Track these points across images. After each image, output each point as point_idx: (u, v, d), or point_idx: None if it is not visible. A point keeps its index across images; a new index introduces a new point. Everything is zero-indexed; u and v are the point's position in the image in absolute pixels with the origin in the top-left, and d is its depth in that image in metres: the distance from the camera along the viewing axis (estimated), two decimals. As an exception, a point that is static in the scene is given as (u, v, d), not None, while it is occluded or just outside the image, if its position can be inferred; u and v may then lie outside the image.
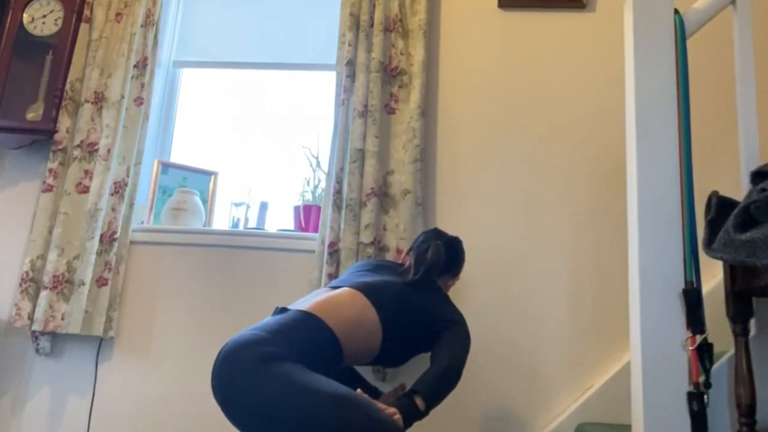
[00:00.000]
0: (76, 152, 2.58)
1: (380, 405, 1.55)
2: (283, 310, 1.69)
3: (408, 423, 1.62)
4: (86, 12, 2.75)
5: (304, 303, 1.72)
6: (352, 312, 1.71)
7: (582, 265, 2.37)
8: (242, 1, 2.92)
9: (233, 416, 1.52)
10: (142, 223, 2.67)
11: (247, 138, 2.92)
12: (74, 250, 2.50)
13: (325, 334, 1.63)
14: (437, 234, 2.08)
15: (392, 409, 1.58)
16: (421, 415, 1.65)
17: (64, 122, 2.63)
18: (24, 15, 2.75)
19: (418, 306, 1.82)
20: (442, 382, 1.69)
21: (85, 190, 2.56)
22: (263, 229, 2.72)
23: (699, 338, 1.51)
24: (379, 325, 1.74)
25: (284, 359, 1.50)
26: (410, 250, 2.08)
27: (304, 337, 1.59)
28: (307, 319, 1.63)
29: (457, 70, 2.61)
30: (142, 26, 2.70)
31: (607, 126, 2.48)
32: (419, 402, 1.64)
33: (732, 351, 1.57)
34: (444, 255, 1.98)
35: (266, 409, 1.46)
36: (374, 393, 1.94)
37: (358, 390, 1.56)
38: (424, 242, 2.03)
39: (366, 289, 1.78)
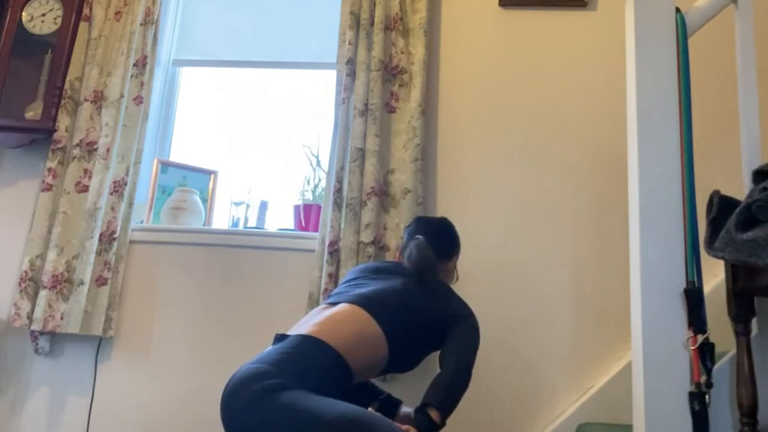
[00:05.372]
0: (76, 151, 2.58)
1: (394, 424, 1.51)
2: (283, 337, 1.65)
3: None
4: (85, 10, 2.75)
5: (303, 326, 1.69)
6: (353, 328, 1.67)
7: (583, 264, 2.37)
8: (242, -1, 2.92)
9: None
10: (142, 222, 2.67)
11: (247, 137, 2.92)
12: (73, 250, 2.49)
13: (328, 355, 1.59)
14: (419, 224, 2.02)
15: (406, 427, 1.56)
16: (438, 427, 1.62)
17: (63, 121, 2.63)
18: (23, 13, 2.75)
19: (421, 308, 1.79)
20: (453, 387, 1.67)
21: (85, 189, 2.55)
22: (263, 228, 2.71)
23: (700, 338, 1.50)
24: (383, 337, 1.70)
25: (288, 389, 1.48)
26: (401, 249, 2.06)
27: (308, 362, 1.56)
28: (307, 343, 1.60)
29: (458, 68, 2.61)
30: (141, 25, 2.69)
31: (609, 125, 2.47)
32: (434, 415, 1.61)
33: (733, 351, 1.57)
34: (430, 249, 1.90)
35: None
36: (393, 405, 1.91)
37: (369, 408, 1.53)
38: (408, 239, 1.97)
39: (364, 302, 1.74)
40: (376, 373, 1.77)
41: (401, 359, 1.77)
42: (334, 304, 1.78)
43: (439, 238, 1.98)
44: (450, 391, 1.66)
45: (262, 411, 1.46)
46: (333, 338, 1.62)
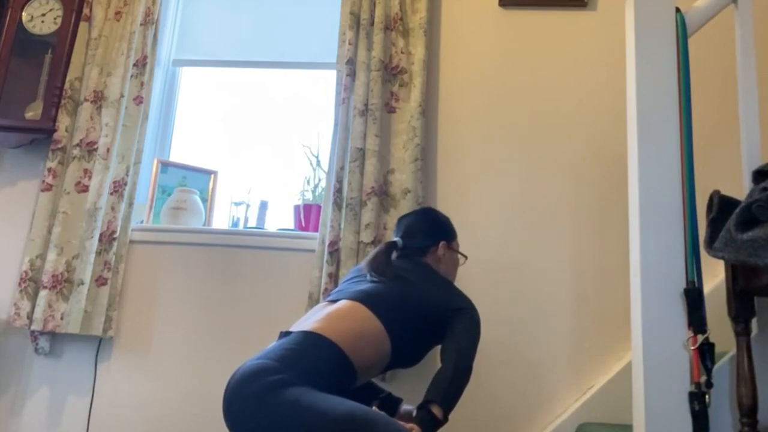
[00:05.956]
0: (76, 151, 2.58)
1: (399, 422, 1.52)
2: (286, 334, 1.66)
3: None
4: (85, 10, 2.75)
5: (305, 323, 1.69)
6: (355, 324, 1.67)
7: (583, 264, 2.37)
8: (242, -1, 2.92)
9: None
10: (142, 222, 2.67)
11: (247, 137, 2.92)
12: (73, 250, 2.49)
13: (331, 351, 1.59)
14: (398, 226, 2.02)
15: (410, 425, 1.56)
16: (440, 423, 1.62)
17: (63, 121, 2.63)
18: (23, 13, 2.75)
19: (421, 303, 1.78)
20: (454, 383, 1.66)
21: (85, 189, 2.55)
22: (263, 228, 2.71)
23: (700, 338, 1.51)
24: (385, 334, 1.70)
25: (292, 385, 1.48)
26: None
27: (311, 358, 1.56)
28: (310, 338, 1.60)
29: (458, 68, 2.61)
30: (141, 25, 2.69)
31: (609, 125, 2.47)
32: (437, 411, 1.62)
33: (733, 351, 1.57)
34: (385, 252, 1.90)
35: None
36: (393, 403, 1.90)
37: (374, 407, 1.53)
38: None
39: (365, 299, 1.73)
40: (379, 371, 1.77)
41: (404, 355, 1.77)
42: (334, 301, 1.78)
43: (418, 234, 1.97)
44: (451, 386, 1.66)
45: (267, 407, 1.45)
46: (335, 334, 1.62)
